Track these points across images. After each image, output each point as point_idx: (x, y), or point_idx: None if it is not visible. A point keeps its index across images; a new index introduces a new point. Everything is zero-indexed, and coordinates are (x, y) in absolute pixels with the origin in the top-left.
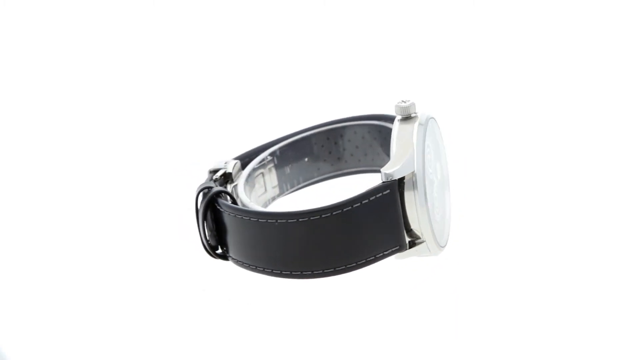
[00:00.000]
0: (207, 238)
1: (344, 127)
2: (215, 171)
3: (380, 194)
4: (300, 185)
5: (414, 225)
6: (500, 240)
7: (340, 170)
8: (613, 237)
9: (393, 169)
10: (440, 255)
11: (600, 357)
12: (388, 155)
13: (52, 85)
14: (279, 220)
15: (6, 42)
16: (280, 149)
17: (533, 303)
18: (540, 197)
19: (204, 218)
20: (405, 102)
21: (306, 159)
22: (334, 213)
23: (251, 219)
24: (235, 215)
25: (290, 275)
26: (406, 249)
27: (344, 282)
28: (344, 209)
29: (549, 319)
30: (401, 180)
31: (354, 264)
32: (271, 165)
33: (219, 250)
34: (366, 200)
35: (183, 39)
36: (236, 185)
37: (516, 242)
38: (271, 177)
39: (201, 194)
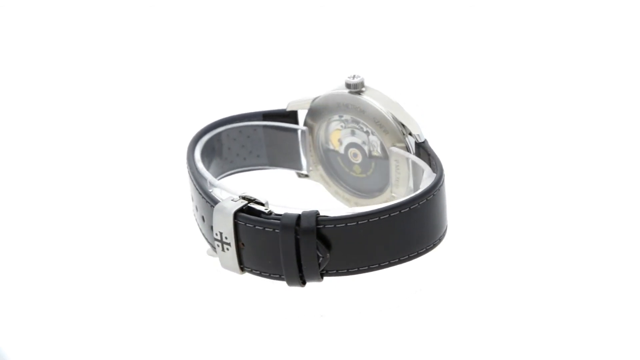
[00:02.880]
0: (320, 266)
1: (228, 129)
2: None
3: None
4: None
5: None
6: (497, 240)
7: (228, 171)
8: (607, 239)
9: (421, 131)
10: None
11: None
12: (277, 151)
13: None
14: (402, 210)
15: None
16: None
17: (532, 302)
18: (531, 194)
19: (317, 246)
20: (357, 76)
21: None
22: (439, 188)
23: (381, 217)
24: (369, 220)
25: (408, 259)
26: None
27: (345, 283)
28: (442, 184)
29: (546, 318)
30: None
31: (444, 231)
32: None
33: None
34: (441, 173)
35: None
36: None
37: (512, 241)
38: None
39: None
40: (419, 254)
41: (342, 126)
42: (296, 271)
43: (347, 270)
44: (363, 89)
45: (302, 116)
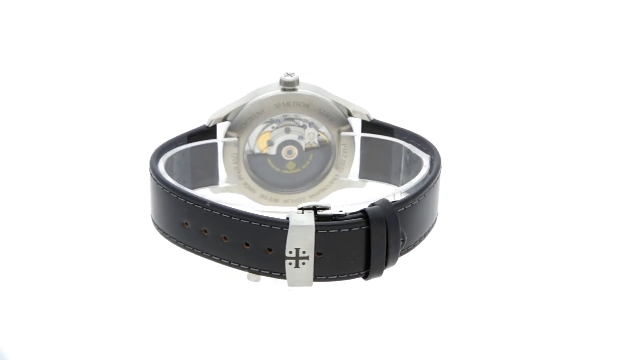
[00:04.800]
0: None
1: (166, 158)
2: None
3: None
4: None
5: None
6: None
7: None
8: (594, 231)
9: (368, 110)
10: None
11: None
12: (200, 171)
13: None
14: (437, 180)
15: None
16: None
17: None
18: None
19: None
20: (293, 73)
21: None
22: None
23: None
24: (418, 200)
25: (434, 225)
26: None
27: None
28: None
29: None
30: None
31: None
32: None
33: None
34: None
35: None
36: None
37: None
38: None
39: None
40: (435, 221)
41: (273, 127)
42: (383, 261)
43: (407, 248)
44: (297, 85)
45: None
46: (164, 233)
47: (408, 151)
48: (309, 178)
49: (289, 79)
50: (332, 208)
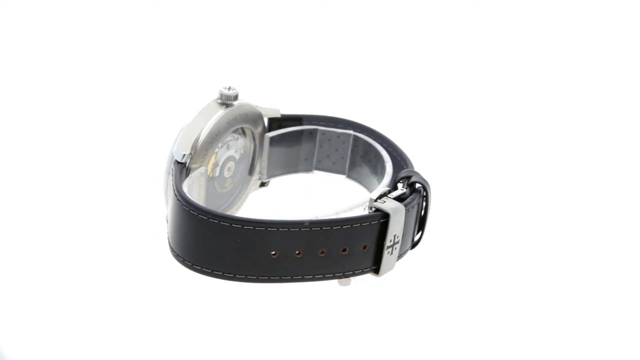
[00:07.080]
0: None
1: None
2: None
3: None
4: None
5: None
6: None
7: None
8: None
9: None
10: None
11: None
12: None
13: None
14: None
15: None
16: None
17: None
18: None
19: None
20: (233, 89)
21: None
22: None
23: None
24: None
25: None
26: None
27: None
28: None
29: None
30: None
31: None
32: None
33: None
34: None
35: None
36: None
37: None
38: None
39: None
40: None
41: (218, 147)
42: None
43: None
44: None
45: None
46: (234, 277)
47: (323, 133)
48: (237, 189)
49: (232, 92)
50: (392, 189)
